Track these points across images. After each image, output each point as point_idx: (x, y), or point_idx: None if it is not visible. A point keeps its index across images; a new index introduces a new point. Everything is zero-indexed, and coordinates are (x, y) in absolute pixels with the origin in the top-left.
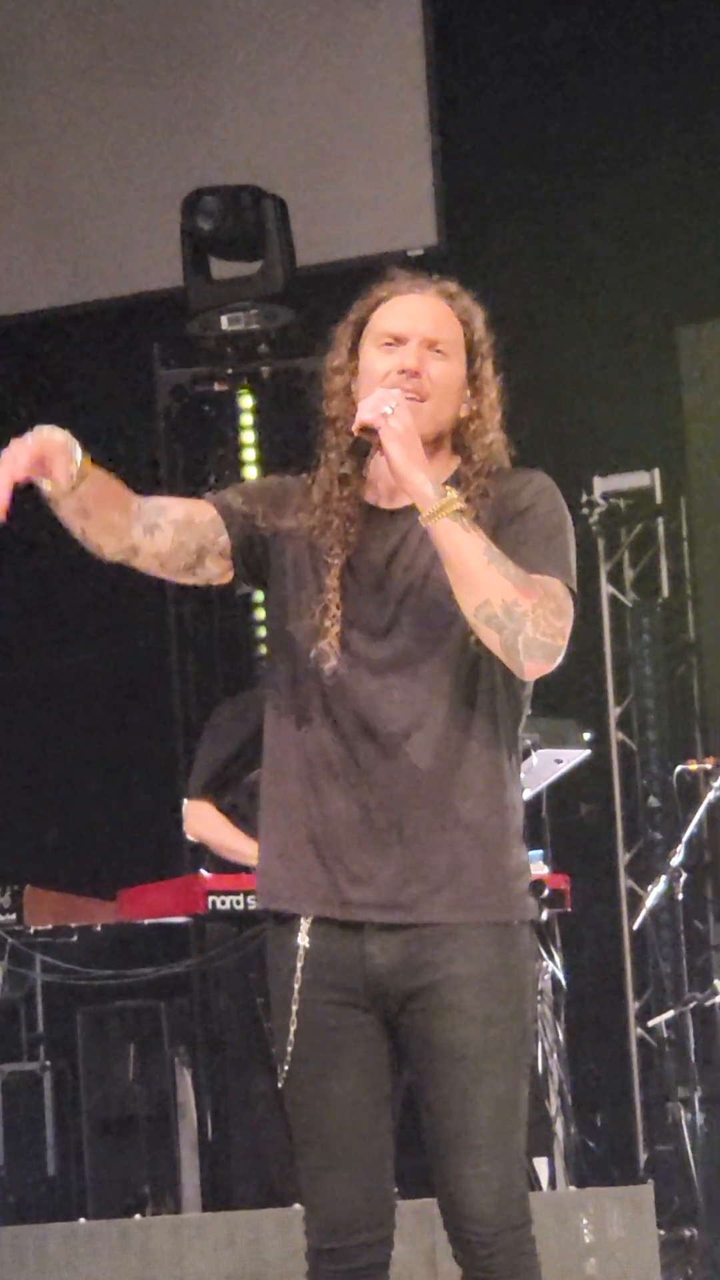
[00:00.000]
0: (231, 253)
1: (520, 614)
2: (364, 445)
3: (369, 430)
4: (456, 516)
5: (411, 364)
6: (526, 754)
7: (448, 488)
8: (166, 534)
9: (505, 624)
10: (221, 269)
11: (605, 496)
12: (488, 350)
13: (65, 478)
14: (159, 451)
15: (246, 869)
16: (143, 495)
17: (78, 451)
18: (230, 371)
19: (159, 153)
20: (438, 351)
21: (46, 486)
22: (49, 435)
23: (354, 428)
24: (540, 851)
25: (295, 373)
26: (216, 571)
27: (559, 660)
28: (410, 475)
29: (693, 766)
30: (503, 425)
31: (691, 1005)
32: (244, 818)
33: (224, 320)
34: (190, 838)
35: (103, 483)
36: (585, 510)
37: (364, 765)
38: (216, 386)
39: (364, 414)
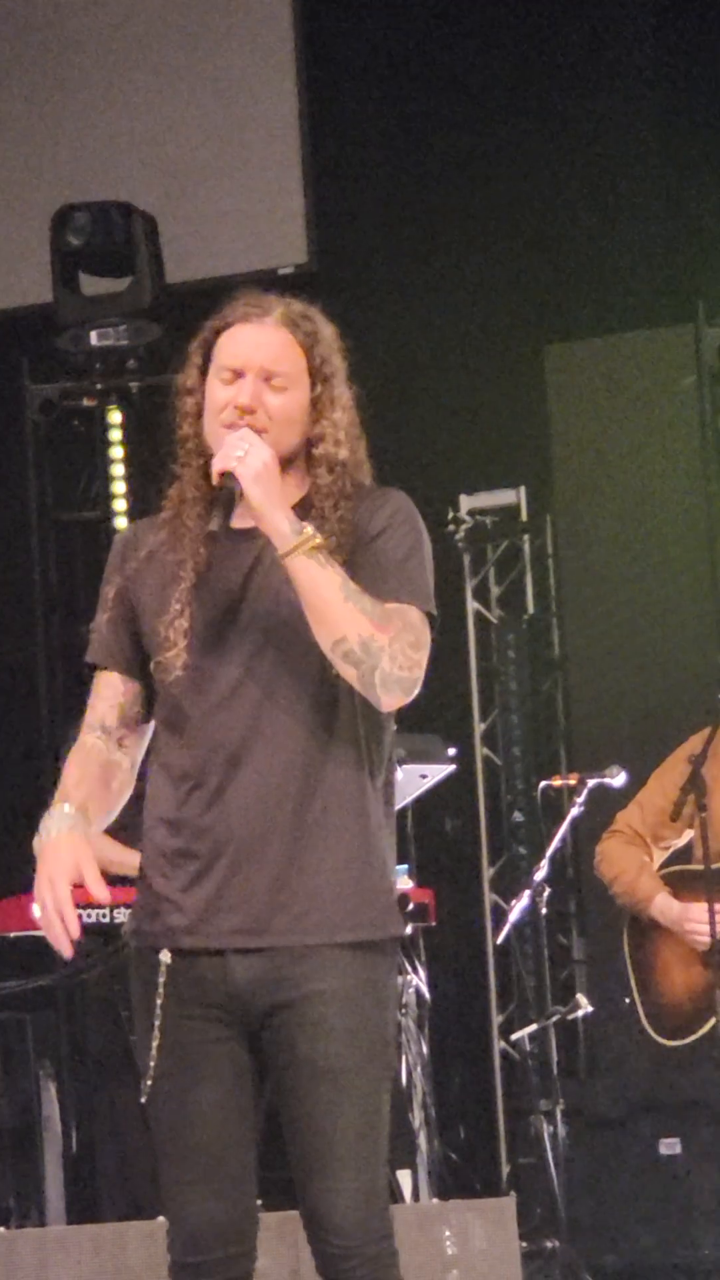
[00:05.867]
0: (101, 268)
1: (377, 649)
2: (228, 492)
3: (228, 476)
4: (312, 554)
5: (244, 401)
6: None
7: (305, 525)
8: (131, 736)
9: (362, 659)
10: (91, 284)
11: (471, 513)
12: (332, 370)
13: (93, 860)
14: (28, 466)
15: (121, 880)
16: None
17: (71, 824)
18: (99, 387)
19: (29, 167)
20: (274, 385)
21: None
22: (63, 855)
23: (214, 480)
24: (405, 866)
25: (164, 388)
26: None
27: (416, 691)
28: (268, 514)
29: (556, 782)
30: (361, 440)
31: (554, 1019)
32: (122, 826)
33: (93, 336)
34: None
35: (96, 799)
36: (451, 527)
37: (223, 788)
38: (85, 402)
39: (219, 464)
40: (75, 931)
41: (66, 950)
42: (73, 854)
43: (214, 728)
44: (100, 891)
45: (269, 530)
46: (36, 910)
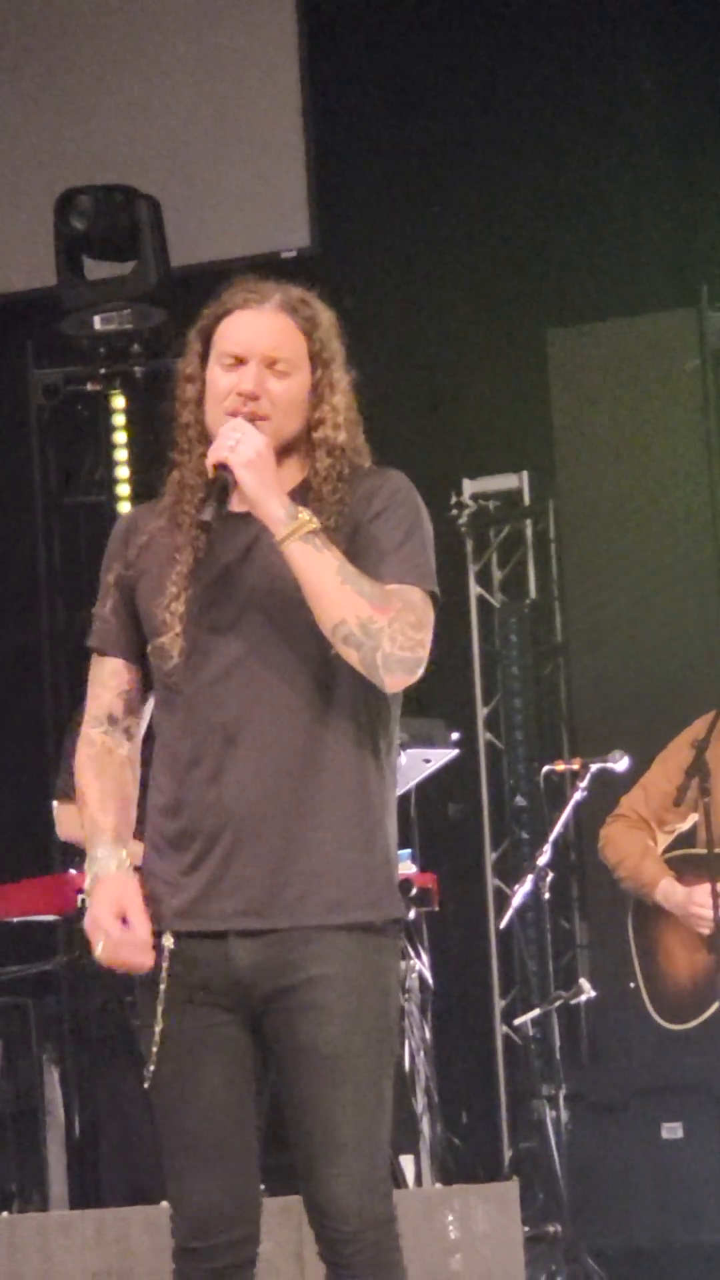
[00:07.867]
0: (105, 252)
1: (377, 630)
2: (223, 481)
3: (223, 466)
4: (309, 538)
5: (248, 387)
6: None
7: (300, 509)
8: (137, 723)
9: (363, 641)
10: (95, 269)
11: (474, 498)
12: (331, 355)
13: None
14: (32, 450)
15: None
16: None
17: (116, 863)
18: (103, 371)
19: (32, 151)
20: (277, 371)
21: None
22: (108, 896)
23: (209, 469)
24: (408, 850)
25: (168, 373)
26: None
27: (421, 671)
28: (263, 501)
29: (559, 767)
30: (359, 424)
31: (557, 1004)
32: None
33: (97, 320)
34: (62, 838)
35: (124, 820)
36: (454, 512)
37: (222, 768)
38: (89, 386)
39: (213, 455)
40: (146, 950)
41: (148, 959)
42: (119, 891)
43: (211, 706)
44: (142, 926)
45: (264, 517)
46: (98, 952)
